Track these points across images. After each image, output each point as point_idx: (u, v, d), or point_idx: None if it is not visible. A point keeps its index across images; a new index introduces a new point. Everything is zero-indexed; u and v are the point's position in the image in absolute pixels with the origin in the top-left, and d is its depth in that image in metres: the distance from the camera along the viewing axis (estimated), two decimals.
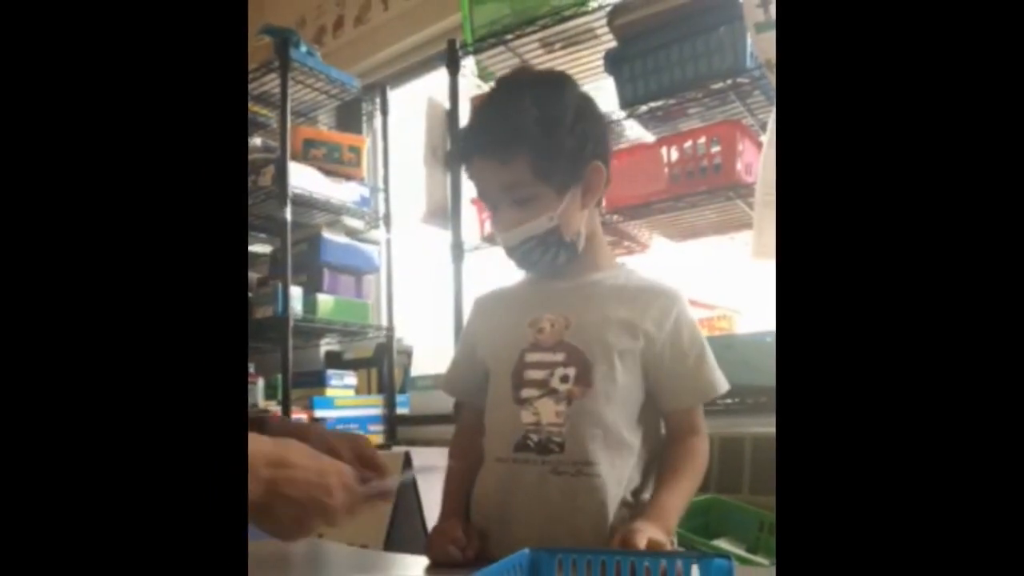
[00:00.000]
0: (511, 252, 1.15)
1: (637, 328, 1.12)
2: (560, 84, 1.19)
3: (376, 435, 2.69)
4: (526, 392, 1.11)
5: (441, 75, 2.35)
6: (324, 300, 2.66)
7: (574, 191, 1.13)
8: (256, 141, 2.83)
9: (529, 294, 1.21)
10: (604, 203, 2.02)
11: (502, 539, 1.09)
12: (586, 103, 1.18)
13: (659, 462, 1.13)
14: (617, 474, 1.08)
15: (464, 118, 2.22)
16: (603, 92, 2.14)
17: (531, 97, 1.13)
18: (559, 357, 1.11)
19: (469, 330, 1.29)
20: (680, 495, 1.07)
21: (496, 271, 1.29)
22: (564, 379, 1.10)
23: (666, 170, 1.91)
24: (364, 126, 3.21)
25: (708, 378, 1.13)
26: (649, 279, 1.19)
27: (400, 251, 2.92)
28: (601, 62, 2.05)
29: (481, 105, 1.24)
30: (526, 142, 1.09)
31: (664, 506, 1.04)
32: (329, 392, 2.62)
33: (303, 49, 2.66)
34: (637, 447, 1.12)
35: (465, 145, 1.18)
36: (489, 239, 2.20)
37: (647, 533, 0.93)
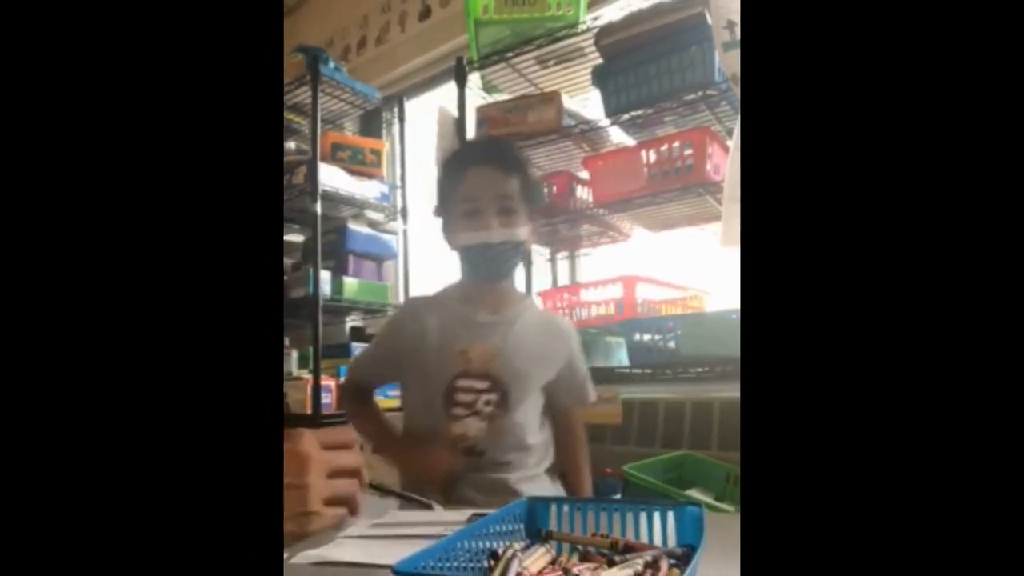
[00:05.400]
0: (486, 250, 1.20)
1: (550, 360, 1.28)
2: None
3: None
4: (456, 411, 1.20)
5: (450, 88, 2.33)
6: (349, 282, 2.66)
7: (531, 224, 1.26)
8: (290, 145, 2.83)
9: (460, 324, 1.25)
10: (592, 198, 2.05)
11: None
12: None
13: (556, 442, 1.33)
14: (521, 466, 1.23)
15: (471, 125, 2.21)
16: (591, 102, 2.14)
17: (516, 147, 1.32)
18: (485, 386, 1.20)
19: (398, 333, 1.31)
20: (583, 461, 1.35)
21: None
22: (488, 403, 1.20)
23: (645, 170, 1.91)
24: (384, 132, 3.20)
25: (588, 389, 1.36)
26: (547, 314, 1.41)
27: (415, 240, 2.92)
28: (589, 76, 2.05)
29: (478, 138, 1.37)
30: (520, 169, 1.22)
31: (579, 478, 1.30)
32: None
33: (331, 65, 2.65)
34: (538, 445, 1.27)
35: (469, 153, 1.27)
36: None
37: None
